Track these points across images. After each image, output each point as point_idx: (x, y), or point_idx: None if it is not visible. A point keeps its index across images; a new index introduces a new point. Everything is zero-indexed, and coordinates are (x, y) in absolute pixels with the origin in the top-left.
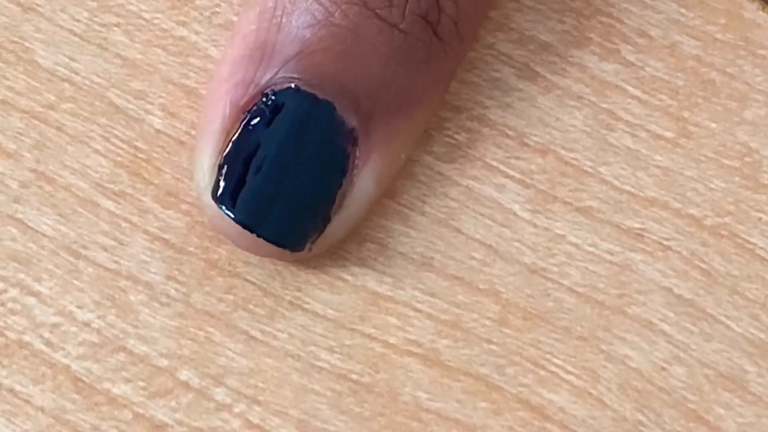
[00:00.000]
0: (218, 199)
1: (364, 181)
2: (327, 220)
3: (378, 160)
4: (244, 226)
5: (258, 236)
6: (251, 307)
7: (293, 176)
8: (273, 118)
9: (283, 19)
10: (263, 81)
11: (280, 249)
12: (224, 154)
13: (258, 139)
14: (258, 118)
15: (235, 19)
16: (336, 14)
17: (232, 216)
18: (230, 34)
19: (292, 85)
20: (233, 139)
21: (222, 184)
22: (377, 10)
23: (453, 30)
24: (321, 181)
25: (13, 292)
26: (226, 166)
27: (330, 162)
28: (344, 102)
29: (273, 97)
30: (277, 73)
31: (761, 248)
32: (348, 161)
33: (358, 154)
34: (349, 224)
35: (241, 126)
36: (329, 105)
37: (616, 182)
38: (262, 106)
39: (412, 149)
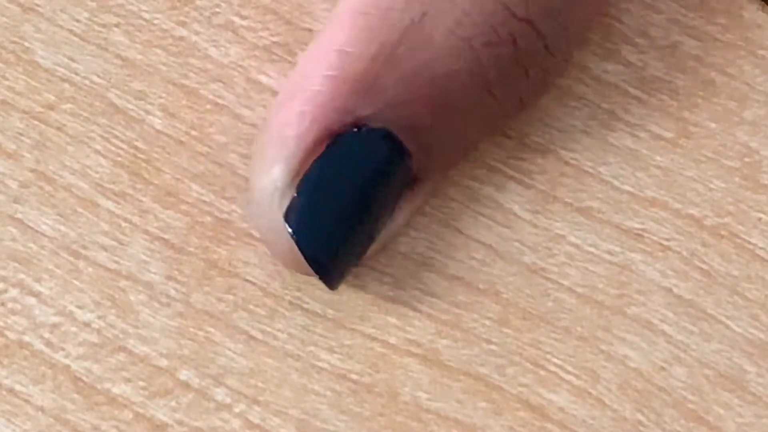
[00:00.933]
0: (292, 223)
1: (399, 215)
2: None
3: (416, 202)
4: (311, 260)
5: (320, 274)
6: (251, 307)
7: (362, 219)
8: (360, 151)
9: (404, 59)
10: (362, 114)
11: (319, 278)
12: (307, 175)
13: (341, 172)
14: (344, 149)
15: (234, 19)
16: (454, 79)
17: (302, 247)
18: (335, 52)
19: (386, 128)
20: (319, 163)
21: (298, 205)
22: (492, 88)
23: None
24: (377, 224)
25: (13, 292)
26: (304, 189)
27: (388, 206)
28: (421, 154)
29: (366, 133)
30: (378, 110)
31: (761, 248)
32: (400, 202)
33: (408, 197)
34: (376, 252)
35: (327, 150)
36: (407, 155)
37: (616, 182)
38: (351, 137)
39: None
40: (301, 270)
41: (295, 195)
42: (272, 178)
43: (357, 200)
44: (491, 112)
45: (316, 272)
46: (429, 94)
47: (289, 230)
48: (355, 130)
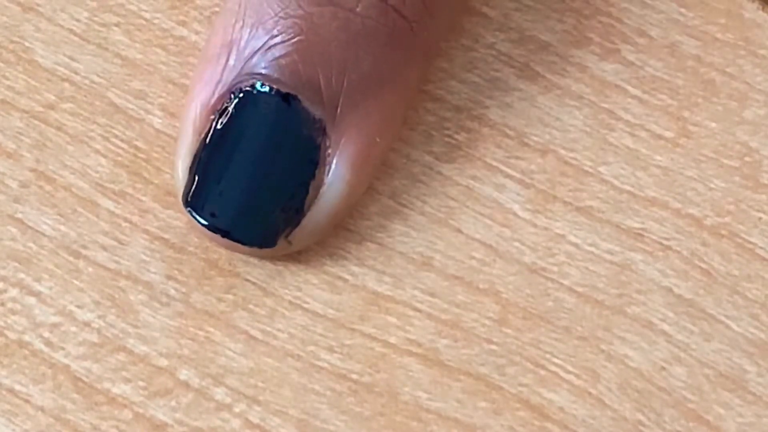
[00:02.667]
0: (188, 204)
1: (338, 168)
2: (300, 212)
3: (350, 146)
4: (213, 229)
5: (227, 239)
6: (251, 307)
7: (263, 174)
8: (240, 116)
9: (246, 17)
10: (230, 80)
11: (251, 248)
12: (196, 155)
13: (226, 139)
14: (226, 118)
15: None
16: (291, 6)
17: (200, 222)
18: (207, 36)
19: (256, 83)
20: (203, 139)
21: (192, 187)
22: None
23: (420, 7)
24: (292, 175)
25: (13, 292)
26: (197, 169)
27: (300, 155)
28: (307, 93)
29: (240, 95)
30: (241, 70)
31: (761, 248)
32: (318, 151)
33: (328, 143)
34: (329, 215)
35: (210, 126)
36: (292, 98)
37: (616, 182)
38: (229, 105)
39: (396, 131)
40: (241, 250)
41: (191, 180)
42: (176, 172)
43: (245, 157)
44: (354, 27)
45: (232, 239)
46: (279, 34)
47: (192, 214)
48: (230, 96)
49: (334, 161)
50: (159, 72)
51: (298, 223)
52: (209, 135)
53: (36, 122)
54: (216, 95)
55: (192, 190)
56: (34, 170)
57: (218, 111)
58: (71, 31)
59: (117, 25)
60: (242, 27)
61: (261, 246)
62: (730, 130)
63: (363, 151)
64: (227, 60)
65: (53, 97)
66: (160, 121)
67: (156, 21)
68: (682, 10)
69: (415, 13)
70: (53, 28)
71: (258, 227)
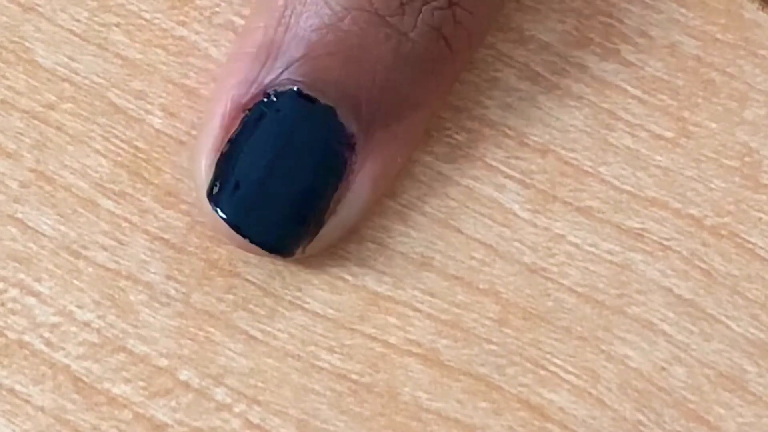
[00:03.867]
0: (212, 199)
1: (360, 186)
2: (320, 224)
3: (375, 166)
4: (235, 228)
5: (247, 239)
6: (251, 307)
7: (288, 180)
8: (272, 119)
9: (292, 20)
10: (266, 81)
11: (269, 252)
12: (222, 152)
13: (256, 140)
14: (258, 118)
15: (234, 19)
16: (345, 20)
17: (224, 217)
18: (239, 32)
19: (294, 88)
20: (231, 138)
21: (217, 183)
22: (388, 18)
23: (465, 40)
24: (316, 185)
25: (13, 292)
26: (222, 166)
27: (327, 166)
28: (345, 107)
29: (274, 98)
30: (281, 74)
31: (761, 248)
32: (345, 166)
33: (355, 159)
34: (343, 228)
35: (241, 125)
36: (330, 110)
37: (616, 182)
38: (263, 106)
39: (412, 151)
40: (257, 252)
41: (216, 176)
42: (199, 166)
43: (273, 160)
44: (404, 50)
45: (250, 240)
46: (326, 43)
47: (217, 211)
48: (264, 98)
49: (358, 179)
50: (159, 72)
51: (315, 235)
52: (238, 133)
53: (36, 122)
54: (250, 94)
55: (218, 187)
56: (34, 170)
57: (249, 110)
58: (71, 31)
59: (117, 25)
60: (287, 31)
61: (281, 253)
62: (730, 130)
63: (385, 172)
64: (266, 60)
65: (53, 97)
66: (160, 121)
67: (156, 21)
68: (682, 10)
69: (460, 44)
70: (53, 28)
71: (279, 233)
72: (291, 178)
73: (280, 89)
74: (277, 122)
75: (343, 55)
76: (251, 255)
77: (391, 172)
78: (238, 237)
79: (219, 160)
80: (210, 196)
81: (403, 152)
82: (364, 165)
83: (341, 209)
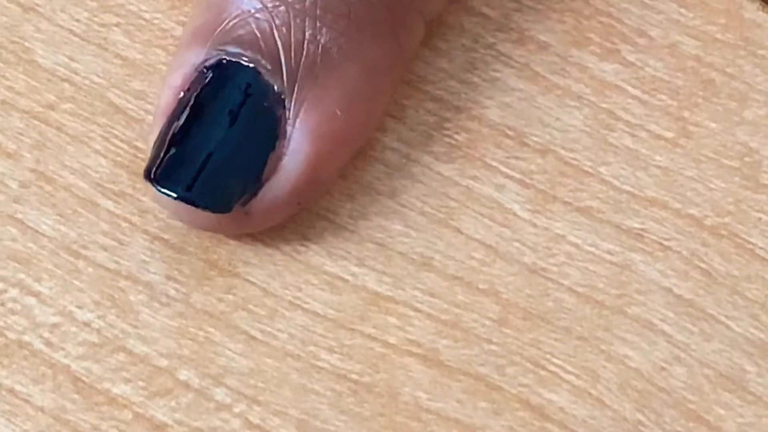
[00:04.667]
0: (146, 174)
1: (297, 140)
2: (258, 181)
3: (309, 118)
4: (165, 191)
5: (177, 198)
6: (251, 307)
7: (223, 144)
8: (203, 92)
9: (210, 5)
10: (198, 62)
11: (206, 213)
12: (158, 132)
13: (190, 114)
14: (191, 95)
15: None
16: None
17: (155, 187)
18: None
19: (221, 60)
20: (167, 115)
21: (152, 159)
22: None
23: None
24: (252, 146)
25: (13, 292)
26: (158, 142)
27: (260, 126)
28: (267, 65)
29: (204, 72)
30: (207, 52)
31: (761, 248)
32: (279, 124)
33: (288, 115)
34: (289, 186)
35: (177, 104)
36: (252, 70)
37: (616, 182)
38: (197, 84)
39: (365, 111)
40: (200, 220)
41: (154, 155)
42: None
43: (202, 124)
44: (322, 2)
45: (180, 198)
46: (243, 10)
47: (151, 184)
48: (198, 76)
49: (293, 133)
50: (159, 72)
51: (255, 192)
52: (173, 112)
53: (36, 122)
54: (185, 77)
55: (150, 160)
56: (34, 170)
57: (184, 91)
58: (71, 31)
59: (117, 25)
60: (204, 12)
61: (215, 210)
62: (730, 130)
63: (322, 124)
64: (193, 46)
65: (53, 98)
66: None
67: (156, 21)
68: (682, 10)
69: None
70: (53, 29)
71: (214, 191)
72: (225, 141)
73: (207, 64)
74: (206, 94)
75: (256, 16)
76: (251, 255)
77: (333, 127)
78: (172, 203)
79: (157, 139)
80: (146, 174)
81: (343, 106)
82: (297, 119)
83: (282, 167)
